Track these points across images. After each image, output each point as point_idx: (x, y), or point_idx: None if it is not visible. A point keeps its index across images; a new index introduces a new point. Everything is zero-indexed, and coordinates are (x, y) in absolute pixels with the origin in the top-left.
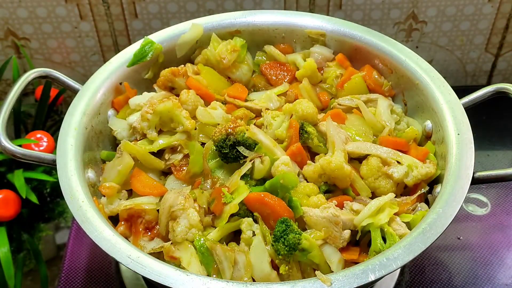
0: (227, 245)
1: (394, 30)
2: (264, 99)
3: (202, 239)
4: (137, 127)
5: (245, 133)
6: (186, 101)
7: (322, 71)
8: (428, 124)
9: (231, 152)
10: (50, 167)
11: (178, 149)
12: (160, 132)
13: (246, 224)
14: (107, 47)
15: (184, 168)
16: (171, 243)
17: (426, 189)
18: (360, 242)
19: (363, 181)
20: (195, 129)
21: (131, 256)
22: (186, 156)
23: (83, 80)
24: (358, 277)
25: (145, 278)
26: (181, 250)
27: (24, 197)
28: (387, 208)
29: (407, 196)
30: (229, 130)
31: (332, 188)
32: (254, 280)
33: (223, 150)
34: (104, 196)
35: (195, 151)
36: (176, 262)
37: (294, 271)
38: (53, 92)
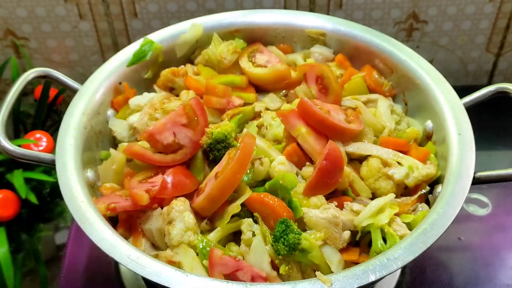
0: (225, 245)
1: (395, 29)
2: (265, 99)
3: (205, 240)
4: (138, 128)
5: (226, 134)
6: (186, 101)
7: None
8: (429, 124)
9: (220, 154)
10: (50, 167)
11: None
12: None
13: (246, 224)
14: (106, 46)
15: None
16: (168, 248)
17: (427, 190)
18: (360, 243)
19: (363, 182)
20: None
21: (131, 256)
22: None
23: (82, 79)
24: (359, 277)
25: (145, 279)
26: (180, 254)
27: (23, 197)
28: (387, 209)
29: (408, 197)
30: (211, 133)
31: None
32: (254, 280)
33: (213, 153)
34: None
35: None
36: (176, 265)
37: (294, 271)
38: (53, 92)
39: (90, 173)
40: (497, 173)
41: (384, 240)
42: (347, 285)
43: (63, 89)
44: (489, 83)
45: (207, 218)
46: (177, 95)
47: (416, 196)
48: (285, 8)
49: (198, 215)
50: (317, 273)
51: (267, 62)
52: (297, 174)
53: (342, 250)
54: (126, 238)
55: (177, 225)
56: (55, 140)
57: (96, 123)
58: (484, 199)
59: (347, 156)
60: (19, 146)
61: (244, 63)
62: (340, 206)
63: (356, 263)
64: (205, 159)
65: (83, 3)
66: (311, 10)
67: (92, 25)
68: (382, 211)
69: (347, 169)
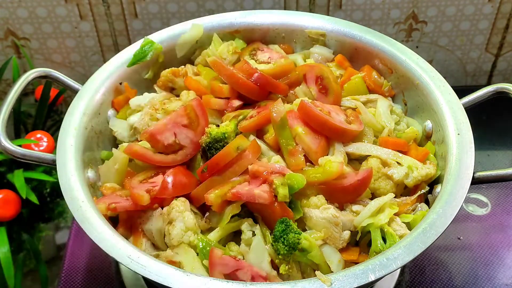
0: (225, 245)
1: (394, 30)
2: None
3: (205, 240)
4: (138, 128)
5: (225, 133)
6: (186, 102)
7: None
8: (428, 124)
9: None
10: (50, 167)
11: None
12: None
13: (246, 224)
14: (107, 47)
15: None
16: (169, 248)
17: (426, 189)
18: (360, 243)
19: None
20: None
21: (131, 256)
22: None
23: (83, 80)
24: (358, 277)
25: (145, 278)
26: (180, 254)
27: (24, 197)
28: (387, 209)
29: (407, 197)
30: (210, 133)
31: None
32: (254, 280)
33: (211, 152)
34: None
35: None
36: (176, 265)
37: (294, 271)
38: (53, 92)
39: (90, 173)
40: (496, 173)
41: (384, 240)
42: (347, 285)
43: (63, 89)
44: (488, 83)
45: (206, 216)
46: (178, 95)
47: (415, 196)
48: (285, 8)
49: (198, 215)
50: (317, 272)
51: (269, 59)
52: None
53: (342, 250)
54: (127, 238)
55: (177, 225)
56: (55, 140)
57: (97, 123)
58: (483, 199)
59: (347, 156)
60: (20, 146)
61: (248, 61)
62: (340, 206)
63: (355, 263)
64: (205, 159)
65: (83, 3)
66: (311, 10)
67: (93, 26)
68: (382, 211)
69: (346, 170)
